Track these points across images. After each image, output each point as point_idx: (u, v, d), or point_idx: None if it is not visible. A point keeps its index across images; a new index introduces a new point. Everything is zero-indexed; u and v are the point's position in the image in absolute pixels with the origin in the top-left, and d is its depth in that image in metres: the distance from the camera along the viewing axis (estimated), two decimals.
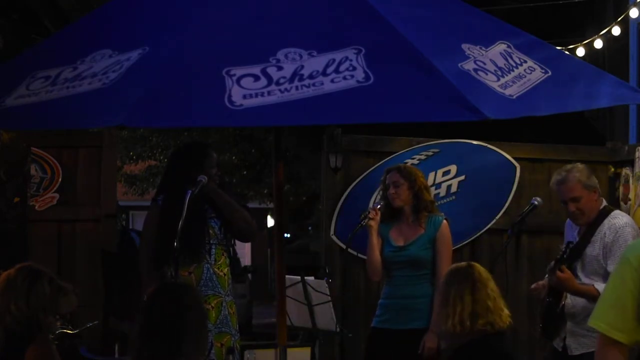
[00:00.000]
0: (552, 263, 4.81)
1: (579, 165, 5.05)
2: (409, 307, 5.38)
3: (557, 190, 5.02)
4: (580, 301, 4.91)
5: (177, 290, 3.39)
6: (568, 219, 5.16)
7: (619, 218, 4.96)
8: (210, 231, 5.12)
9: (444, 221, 5.46)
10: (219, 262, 5.14)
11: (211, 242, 5.12)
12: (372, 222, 5.40)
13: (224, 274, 5.16)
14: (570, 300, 4.94)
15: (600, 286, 4.81)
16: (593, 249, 4.93)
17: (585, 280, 4.93)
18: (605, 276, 4.86)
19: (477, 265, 3.93)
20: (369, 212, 5.43)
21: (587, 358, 4.92)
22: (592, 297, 4.84)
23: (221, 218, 5.19)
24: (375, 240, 5.43)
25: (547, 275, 4.96)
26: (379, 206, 5.48)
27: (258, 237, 5.98)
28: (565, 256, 4.78)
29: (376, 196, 6.97)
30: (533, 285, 5.10)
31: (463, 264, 3.97)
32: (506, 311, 3.85)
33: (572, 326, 4.97)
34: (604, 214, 4.97)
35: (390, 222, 5.50)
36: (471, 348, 3.77)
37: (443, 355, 5.12)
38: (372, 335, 5.55)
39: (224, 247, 5.19)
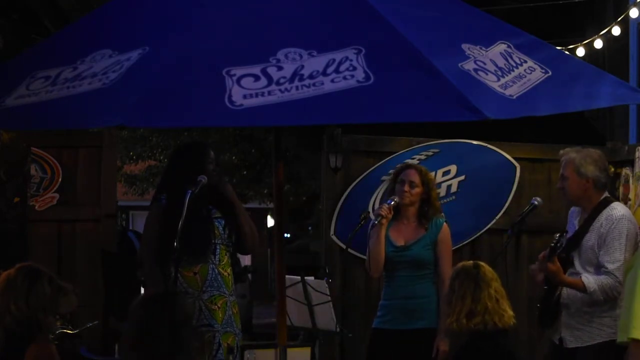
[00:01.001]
0: (548, 250, 4.82)
1: (590, 151, 5.07)
2: (411, 308, 5.38)
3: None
4: (575, 292, 4.92)
5: (168, 301, 3.40)
6: (572, 207, 5.18)
7: (617, 210, 4.97)
8: (215, 231, 5.12)
9: (445, 223, 5.46)
10: (223, 262, 5.14)
11: (215, 242, 5.11)
12: (383, 221, 5.38)
13: (228, 274, 5.15)
14: (565, 290, 4.96)
15: (587, 279, 4.83)
16: (589, 239, 4.94)
17: (580, 269, 4.95)
18: (598, 267, 4.88)
19: (484, 266, 3.95)
20: (382, 209, 5.39)
21: (582, 352, 4.93)
22: (579, 290, 4.86)
23: (233, 228, 5.17)
24: (383, 237, 5.41)
25: (537, 262, 4.98)
26: (392, 203, 5.41)
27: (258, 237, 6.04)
28: (558, 245, 4.79)
29: (376, 196, 6.98)
30: (533, 266, 5.10)
31: (470, 263, 3.99)
32: (509, 313, 3.87)
33: (567, 317, 4.98)
34: (604, 204, 4.99)
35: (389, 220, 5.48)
36: (473, 346, 3.79)
37: (450, 355, 5.13)
38: (374, 335, 5.54)
39: (227, 247, 5.18)
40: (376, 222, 5.37)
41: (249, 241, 5.20)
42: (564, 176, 5.03)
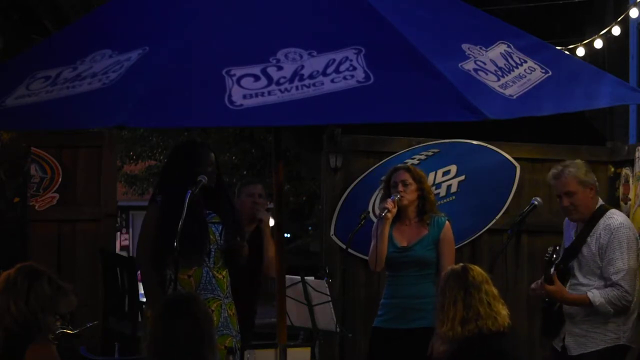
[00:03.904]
0: (545, 265, 4.82)
1: (578, 162, 5.07)
2: (413, 307, 5.38)
3: (553, 184, 5.05)
4: None
5: (189, 304, 3.44)
6: (567, 218, 5.16)
7: (614, 218, 4.96)
8: (211, 236, 5.09)
9: (447, 222, 5.48)
10: (218, 265, 5.12)
11: (211, 246, 5.09)
12: (389, 214, 5.39)
13: (223, 277, 5.14)
14: None
15: (592, 294, 4.82)
16: (589, 249, 4.93)
17: (582, 279, 4.93)
18: (601, 276, 4.87)
19: (473, 269, 3.92)
20: (388, 203, 5.40)
21: (586, 358, 4.92)
22: (585, 305, 4.84)
23: (231, 236, 5.17)
24: (387, 232, 5.42)
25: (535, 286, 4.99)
26: (396, 198, 5.43)
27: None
28: (553, 258, 4.79)
29: (376, 196, 6.98)
30: (533, 285, 5.10)
31: (458, 267, 3.98)
32: (503, 313, 3.85)
33: (571, 326, 4.97)
34: (600, 213, 4.97)
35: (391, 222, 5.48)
36: (464, 352, 3.79)
37: (444, 356, 5.13)
38: (375, 335, 5.55)
39: (222, 252, 5.16)
40: (383, 215, 5.37)
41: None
42: (570, 192, 4.96)
